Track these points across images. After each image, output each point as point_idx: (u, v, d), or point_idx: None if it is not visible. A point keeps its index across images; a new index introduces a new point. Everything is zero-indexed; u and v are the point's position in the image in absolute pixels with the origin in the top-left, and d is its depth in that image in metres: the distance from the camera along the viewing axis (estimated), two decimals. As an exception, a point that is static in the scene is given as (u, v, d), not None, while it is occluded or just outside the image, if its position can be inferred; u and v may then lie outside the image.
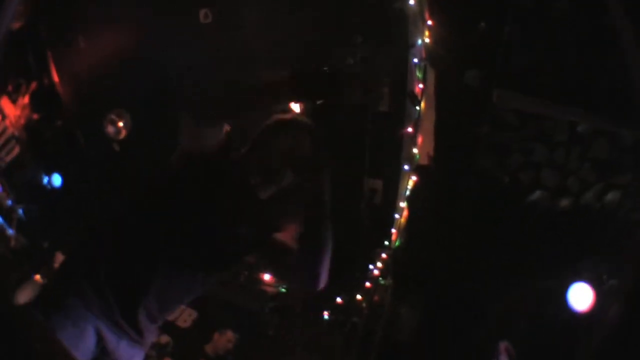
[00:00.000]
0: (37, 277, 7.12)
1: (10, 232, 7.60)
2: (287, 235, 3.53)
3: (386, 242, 8.05)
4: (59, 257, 7.56)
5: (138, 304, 3.18)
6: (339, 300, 8.11)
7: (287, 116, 3.69)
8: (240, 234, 3.46)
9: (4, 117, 8.15)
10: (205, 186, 3.41)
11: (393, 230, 7.97)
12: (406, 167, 7.67)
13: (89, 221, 6.38)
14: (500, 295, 5.90)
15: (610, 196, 5.88)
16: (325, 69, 7.36)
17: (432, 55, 7.08)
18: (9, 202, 7.81)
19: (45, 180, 8.47)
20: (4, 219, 7.59)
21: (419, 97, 7.26)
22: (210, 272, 3.50)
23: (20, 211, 7.78)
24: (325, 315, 8.10)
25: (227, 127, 3.52)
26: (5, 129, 8.14)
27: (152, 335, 3.39)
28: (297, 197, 3.54)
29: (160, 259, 3.23)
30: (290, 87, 3.39)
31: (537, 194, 6.29)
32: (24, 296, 6.81)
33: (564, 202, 6.13)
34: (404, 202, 7.76)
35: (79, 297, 3.11)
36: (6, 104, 8.14)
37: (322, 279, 3.36)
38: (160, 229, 3.28)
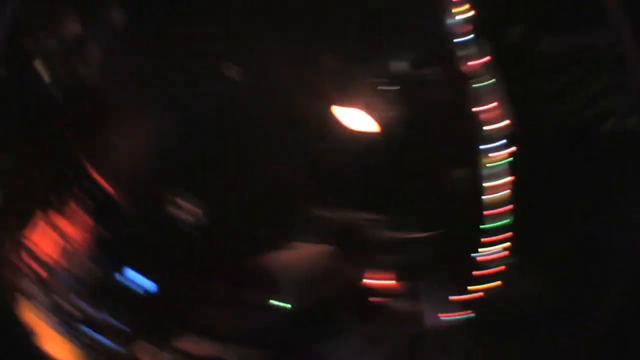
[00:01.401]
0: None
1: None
2: None
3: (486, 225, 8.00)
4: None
5: None
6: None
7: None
8: None
9: (67, 240, 8.39)
10: None
11: (487, 211, 7.93)
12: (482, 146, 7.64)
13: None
14: (603, 237, 5.79)
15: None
16: (384, 81, 7.46)
17: (475, 26, 7.06)
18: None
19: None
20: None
21: (477, 73, 7.23)
22: None
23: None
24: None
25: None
26: (72, 250, 8.40)
27: None
28: None
29: None
30: None
31: (610, 122, 6.18)
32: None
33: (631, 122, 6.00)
34: (489, 181, 7.71)
35: None
36: (65, 225, 8.40)
37: None
38: None
